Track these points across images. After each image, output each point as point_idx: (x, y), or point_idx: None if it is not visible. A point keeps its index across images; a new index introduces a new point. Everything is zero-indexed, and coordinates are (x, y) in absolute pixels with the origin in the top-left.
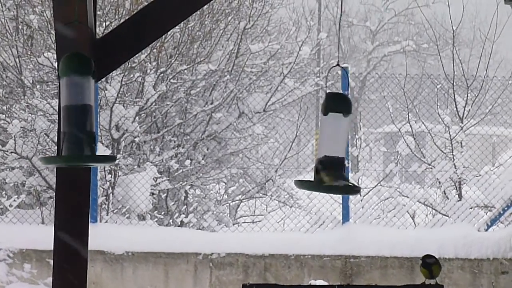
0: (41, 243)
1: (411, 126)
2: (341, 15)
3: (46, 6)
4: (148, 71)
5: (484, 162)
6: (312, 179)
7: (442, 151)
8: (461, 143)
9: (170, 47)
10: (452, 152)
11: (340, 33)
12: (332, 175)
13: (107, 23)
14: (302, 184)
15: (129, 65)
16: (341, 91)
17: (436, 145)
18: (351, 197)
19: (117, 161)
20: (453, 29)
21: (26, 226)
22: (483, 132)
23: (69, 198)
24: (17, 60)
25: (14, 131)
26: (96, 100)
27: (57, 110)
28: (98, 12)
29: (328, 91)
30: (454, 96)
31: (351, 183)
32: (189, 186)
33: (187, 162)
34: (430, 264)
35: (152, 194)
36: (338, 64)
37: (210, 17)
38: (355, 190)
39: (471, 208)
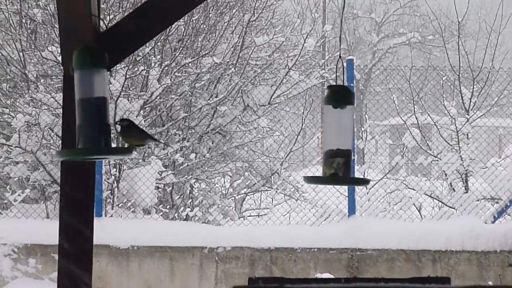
0: (46, 238)
1: (417, 118)
2: (343, 8)
3: (50, 0)
4: (153, 64)
5: (491, 154)
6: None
7: (448, 143)
8: (467, 135)
9: (175, 40)
10: (458, 144)
11: (343, 25)
12: (333, 168)
13: (111, 16)
14: (310, 179)
15: (134, 59)
16: (344, 83)
17: (442, 137)
18: (357, 190)
19: (131, 154)
20: (458, 20)
21: (30, 220)
22: (489, 124)
23: (74, 193)
24: (21, 54)
25: (18, 125)
26: None
27: (62, 104)
28: (102, 6)
29: (331, 84)
30: (460, 88)
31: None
32: (194, 180)
33: (192, 155)
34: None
35: (157, 188)
36: (340, 57)
37: (214, 10)
38: (364, 181)
39: (477, 200)
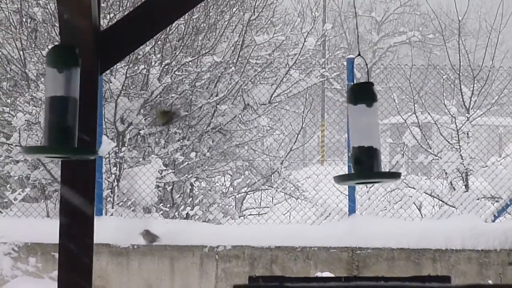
0: (46, 237)
1: (417, 117)
2: (356, 14)
3: None
4: (153, 63)
5: (491, 152)
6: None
7: (449, 142)
8: (467, 133)
9: (175, 39)
10: (459, 143)
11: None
12: (358, 165)
13: (111, 15)
14: (339, 178)
15: (134, 58)
16: (367, 81)
17: (443, 136)
18: (357, 188)
19: (95, 155)
20: (458, 19)
21: (31, 219)
22: (490, 123)
23: (74, 191)
24: (21, 53)
25: (18, 124)
26: (100, 92)
27: None
28: (102, 4)
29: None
30: (460, 87)
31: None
32: (195, 179)
33: (192, 154)
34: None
35: (158, 186)
36: (359, 54)
37: (214, 9)
38: (395, 175)
39: (478, 199)
